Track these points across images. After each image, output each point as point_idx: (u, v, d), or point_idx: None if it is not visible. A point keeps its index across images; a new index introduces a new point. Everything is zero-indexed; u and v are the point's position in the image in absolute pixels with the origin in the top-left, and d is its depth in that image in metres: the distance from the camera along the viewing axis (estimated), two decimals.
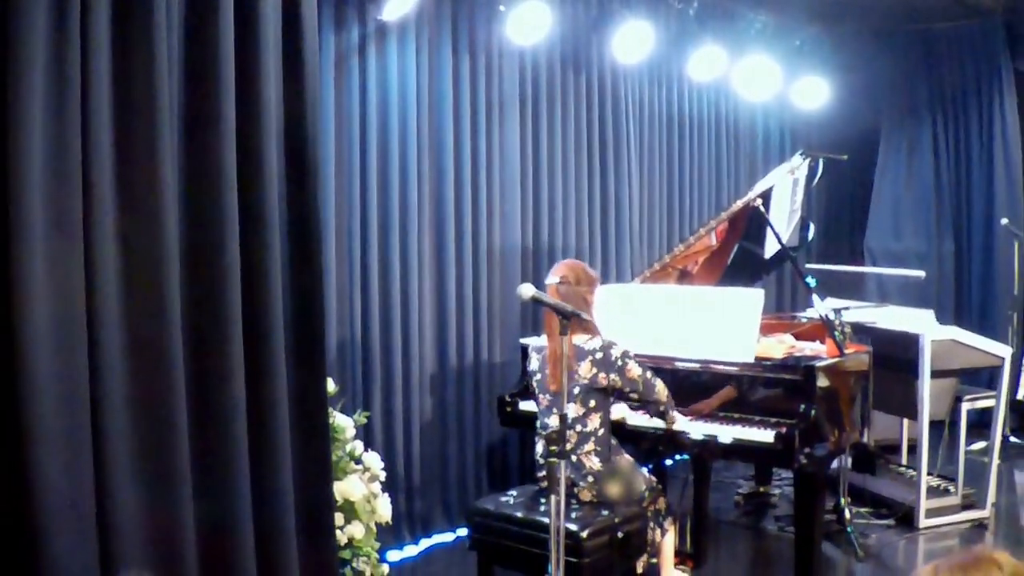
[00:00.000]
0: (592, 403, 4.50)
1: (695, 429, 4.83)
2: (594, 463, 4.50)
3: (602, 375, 4.47)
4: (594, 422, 4.52)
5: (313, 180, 3.99)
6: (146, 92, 3.34)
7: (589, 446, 4.50)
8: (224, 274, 3.59)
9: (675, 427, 4.77)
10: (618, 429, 4.82)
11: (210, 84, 3.57)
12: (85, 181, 3.19)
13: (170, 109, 3.43)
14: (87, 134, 3.20)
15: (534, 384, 4.75)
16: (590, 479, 4.49)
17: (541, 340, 4.77)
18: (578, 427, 4.48)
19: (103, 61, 3.25)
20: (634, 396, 4.59)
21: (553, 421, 4.52)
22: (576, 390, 4.47)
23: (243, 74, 3.67)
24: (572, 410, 4.46)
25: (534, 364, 4.74)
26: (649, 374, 4.58)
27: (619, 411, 4.87)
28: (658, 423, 4.85)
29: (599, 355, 4.48)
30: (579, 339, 4.46)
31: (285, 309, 3.87)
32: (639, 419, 4.96)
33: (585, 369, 4.48)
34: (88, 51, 3.19)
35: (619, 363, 4.49)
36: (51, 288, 3.10)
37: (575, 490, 4.48)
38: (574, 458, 4.46)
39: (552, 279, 4.62)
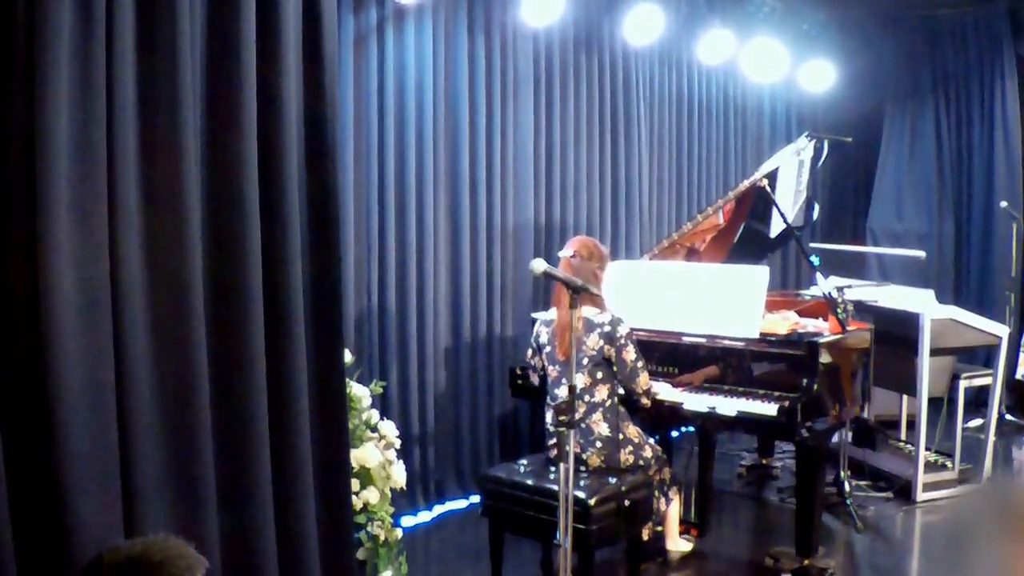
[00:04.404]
0: (599, 375, 4.64)
1: (690, 400, 4.98)
2: (603, 429, 4.62)
3: (607, 347, 4.61)
4: (602, 393, 4.65)
5: (332, 168, 4.06)
6: (169, 86, 3.38)
7: (598, 415, 4.63)
8: (245, 258, 3.65)
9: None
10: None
11: (231, 78, 3.62)
12: (110, 174, 3.24)
13: (192, 103, 3.48)
14: (112, 129, 3.25)
15: (543, 357, 4.85)
16: (599, 444, 4.62)
17: (549, 314, 4.88)
18: (586, 397, 4.61)
19: (127, 56, 3.30)
20: (618, 376, 4.69)
21: (563, 392, 4.66)
22: (585, 361, 4.61)
23: (263, 67, 3.73)
24: (580, 381, 4.59)
25: (543, 338, 4.85)
26: (640, 364, 4.70)
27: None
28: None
29: (607, 328, 4.61)
30: (589, 312, 4.59)
31: (304, 288, 3.94)
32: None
33: (593, 341, 4.61)
34: (113, 47, 3.24)
35: (620, 341, 4.63)
36: (77, 279, 3.15)
37: (584, 456, 4.60)
38: (583, 425, 4.59)
39: (566, 252, 4.75)
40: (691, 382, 5.12)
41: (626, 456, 4.65)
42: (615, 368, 4.66)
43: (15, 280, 3.07)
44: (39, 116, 3.04)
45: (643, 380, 4.72)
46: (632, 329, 4.71)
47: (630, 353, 4.65)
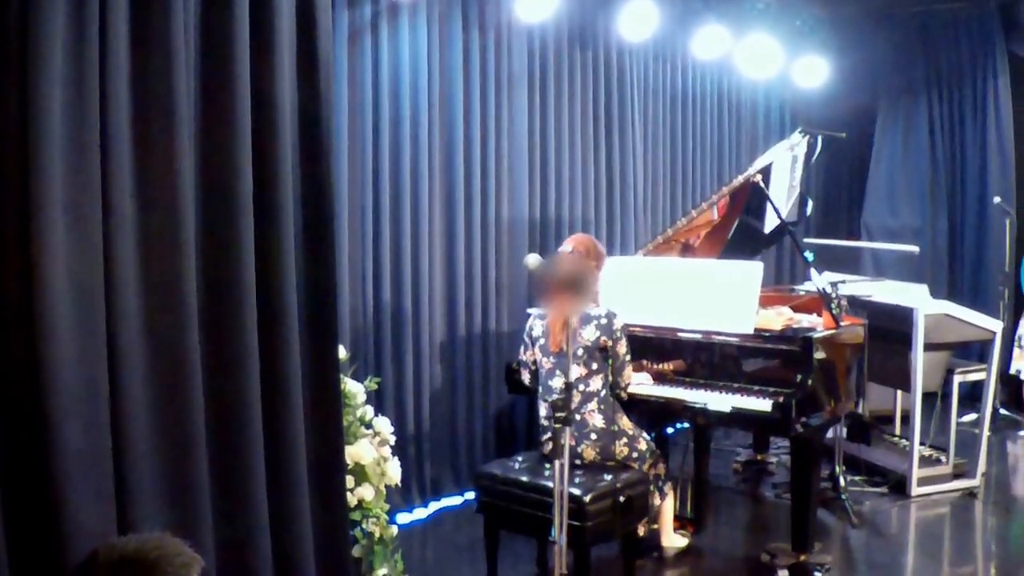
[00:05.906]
0: (594, 365, 4.67)
1: (685, 396, 4.99)
2: (597, 421, 4.65)
3: (604, 338, 4.65)
4: (596, 383, 4.68)
5: (326, 166, 4.04)
6: (163, 85, 3.36)
7: (592, 405, 4.66)
8: (239, 255, 3.64)
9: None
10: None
11: (225, 76, 3.60)
12: (103, 173, 3.22)
13: (186, 101, 3.45)
14: (105, 128, 3.23)
15: (536, 351, 4.87)
16: (593, 436, 4.64)
17: (544, 308, 4.90)
18: (581, 387, 4.64)
19: (121, 54, 3.27)
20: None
21: (556, 383, 4.70)
22: (580, 352, 4.63)
23: (257, 65, 3.71)
24: (575, 372, 4.62)
25: (537, 330, 4.87)
26: (628, 357, 4.77)
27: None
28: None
29: (603, 321, 4.65)
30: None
31: (298, 285, 3.93)
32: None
33: (589, 333, 4.64)
34: (106, 46, 3.21)
35: (617, 334, 4.68)
36: (71, 281, 3.13)
37: (579, 449, 4.61)
38: (577, 417, 4.59)
39: (565, 247, 4.80)
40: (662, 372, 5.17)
41: (621, 448, 4.67)
42: (609, 360, 4.69)
43: (9, 280, 3.05)
44: (32, 115, 3.02)
45: (627, 373, 4.79)
46: (625, 323, 4.76)
47: (623, 346, 4.72)
